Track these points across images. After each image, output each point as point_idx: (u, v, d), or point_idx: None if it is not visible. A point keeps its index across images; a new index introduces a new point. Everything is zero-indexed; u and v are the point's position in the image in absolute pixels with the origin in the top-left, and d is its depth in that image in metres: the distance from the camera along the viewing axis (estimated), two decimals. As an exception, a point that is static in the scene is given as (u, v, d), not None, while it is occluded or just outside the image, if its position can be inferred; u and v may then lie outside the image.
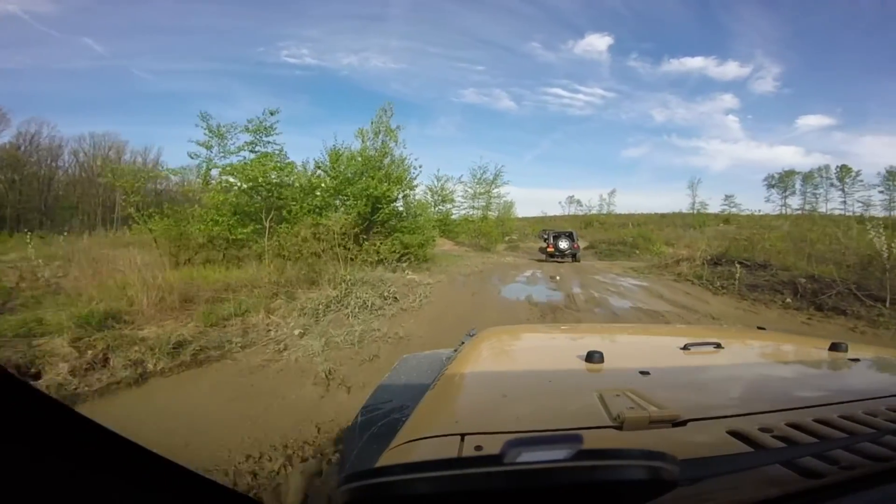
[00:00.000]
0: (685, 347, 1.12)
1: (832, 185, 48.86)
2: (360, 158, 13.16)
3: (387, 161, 13.73)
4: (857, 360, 1.07)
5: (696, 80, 65.65)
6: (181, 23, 65.27)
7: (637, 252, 23.12)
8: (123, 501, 0.48)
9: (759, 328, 1.96)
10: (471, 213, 28.78)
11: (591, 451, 0.39)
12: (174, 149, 79.07)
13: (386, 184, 12.56)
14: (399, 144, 14.32)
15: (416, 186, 14.81)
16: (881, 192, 46.15)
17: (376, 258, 9.96)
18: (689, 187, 54.57)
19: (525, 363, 1.24)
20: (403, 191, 13.76)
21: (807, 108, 64.67)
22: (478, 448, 0.60)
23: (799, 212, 46.92)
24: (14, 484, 0.40)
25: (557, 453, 0.39)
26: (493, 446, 0.47)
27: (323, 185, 12.35)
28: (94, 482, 0.45)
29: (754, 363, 1.20)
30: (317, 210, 11.04)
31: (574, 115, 69.15)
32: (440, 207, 27.84)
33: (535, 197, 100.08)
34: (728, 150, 67.36)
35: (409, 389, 1.21)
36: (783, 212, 48.12)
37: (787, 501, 0.52)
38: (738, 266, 9.66)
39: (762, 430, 0.62)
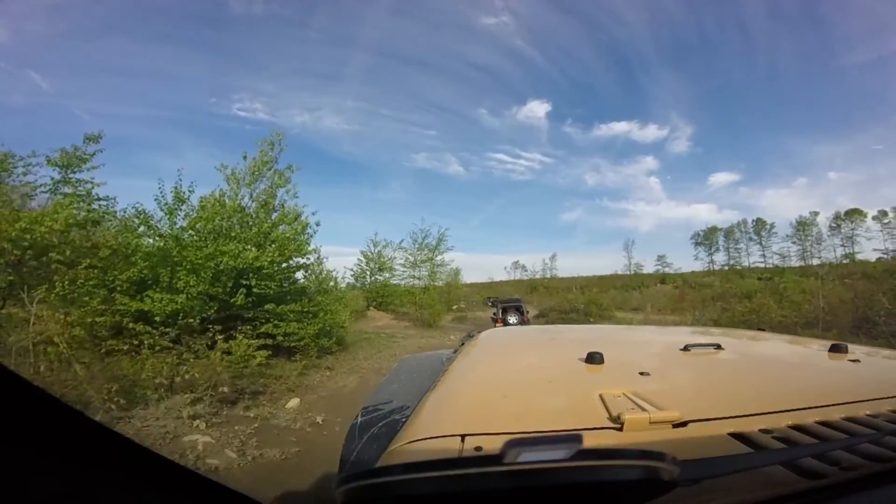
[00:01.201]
0: (685, 348, 1.12)
1: (751, 239, 53.15)
2: (218, 208, 8.35)
3: (273, 215, 9.62)
4: (857, 360, 1.07)
5: (621, 144, 72.78)
6: (133, 65, 62.37)
7: (591, 321, 21.27)
8: (124, 501, 0.48)
9: (759, 329, 1.96)
10: (412, 282, 25.43)
11: (591, 451, 0.39)
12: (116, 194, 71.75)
13: (256, 249, 8.33)
14: (290, 193, 10.02)
15: (311, 252, 10.59)
16: (794, 243, 49.95)
17: (233, 361, 6.19)
18: (624, 248, 57.96)
19: (525, 364, 1.24)
20: (289, 258, 9.32)
21: (716, 166, 71.33)
22: (478, 448, 0.60)
23: (725, 268, 50.27)
24: (17, 483, 0.40)
25: (557, 453, 0.39)
26: (493, 446, 0.47)
27: (147, 246, 7.47)
28: (94, 482, 0.46)
29: (754, 364, 1.19)
30: (135, 285, 6.92)
31: (516, 179, 73.31)
32: (377, 277, 25.81)
33: (481, 262, 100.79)
34: (652, 211, 72.70)
35: (409, 390, 1.22)
36: (710, 268, 51.33)
37: (788, 502, 0.52)
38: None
39: (762, 430, 0.62)
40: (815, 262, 45.26)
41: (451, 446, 0.62)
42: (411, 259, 26.03)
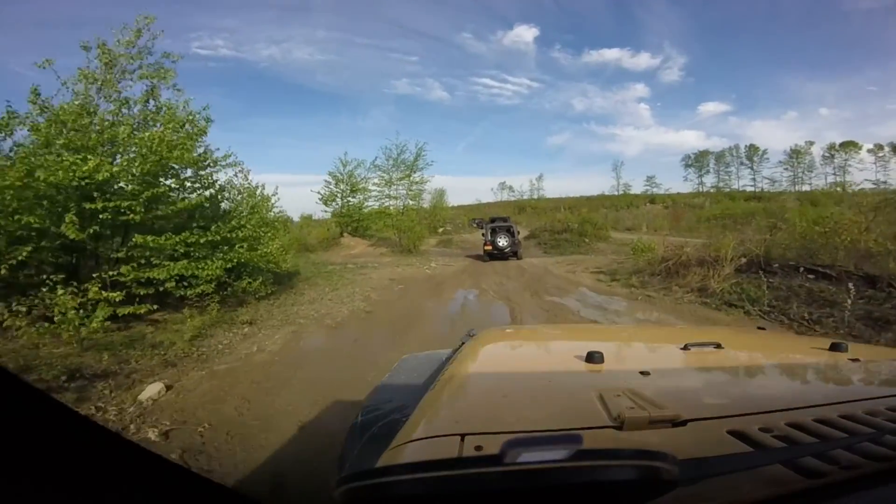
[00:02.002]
0: (685, 347, 1.11)
1: (742, 163, 54.22)
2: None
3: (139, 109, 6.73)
4: (856, 360, 1.06)
5: (612, 71, 73.38)
6: (75, 14, 56.05)
7: (586, 241, 19.64)
8: (122, 501, 0.48)
9: (759, 328, 2.09)
10: (389, 204, 22.23)
11: (590, 451, 0.40)
12: None
13: (107, 159, 5.81)
14: (170, 87, 7.02)
15: (216, 162, 7.68)
16: (786, 169, 50.93)
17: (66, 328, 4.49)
18: (614, 170, 59.49)
19: (525, 363, 1.24)
20: (167, 169, 6.64)
21: (707, 96, 74.41)
22: (478, 448, 0.59)
23: (713, 190, 49.82)
24: (15, 483, 0.40)
25: (557, 453, 0.39)
26: (493, 446, 0.45)
27: None
28: (91, 483, 0.45)
29: (754, 363, 1.19)
30: None
31: (503, 104, 74.11)
32: (348, 200, 23.19)
33: (468, 185, 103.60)
34: (640, 136, 74.48)
35: (409, 389, 1.24)
36: (699, 189, 50.91)
37: (788, 501, 0.52)
38: (804, 275, 6.56)
39: (762, 429, 0.62)
40: (806, 188, 46.76)
41: (451, 446, 0.61)
42: (386, 178, 22.47)
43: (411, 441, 0.68)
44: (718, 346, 1.12)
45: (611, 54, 69.76)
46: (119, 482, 0.48)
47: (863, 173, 45.97)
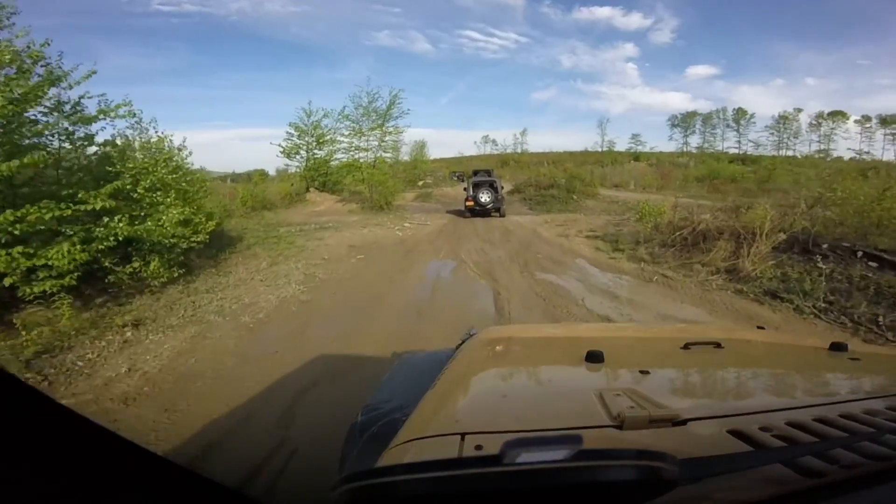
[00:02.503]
0: (685, 347, 1.11)
1: (728, 126, 53.47)
2: None
3: None
4: (857, 359, 1.07)
5: (602, 29, 72.68)
6: None
7: (574, 198, 18.16)
8: (123, 502, 0.48)
9: (759, 327, 2.00)
10: (359, 156, 20.10)
11: (590, 451, 0.39)
12: None
13: None
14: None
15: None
16: (772, 134, 50.82)
17: None
18: (599, 126, 59.77)
19: (525, 363, 1.23)
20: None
21: (696, 59, 74.41)
22: (478, 448, 0.59)
23: (698, 150, 49.53)
24: (15, 483, 0.40)
25: (557, 453, 0.39)
26: (493, 446, 0.45)
27: None
28: (94, 482, 0.45)
29: (754, 363, 1.18)
30: None
31: (488, 58, 72.02)
32: (314, 153, 21.00)
33: (450, 138, 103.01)
34: (626, 95, 73.31)
35: (409, 389, 1.21)
36: (684, 149, 50.48)
37: (788, 501, 0.52)
38: (863, 262, 5.28)
39: (762, 429, 0.62)
40: (790, 153, 47.66)
41: (451, 446, 0.61)
42: (355, 128, 20.23)
43: (411, 441, 0.68)
44: (718, 345, 1.12)
45: (602, 12, 68.20)
46: (119, 482, 0.48)
47: (847, 142, 47.29)
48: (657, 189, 22.10)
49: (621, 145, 53.46)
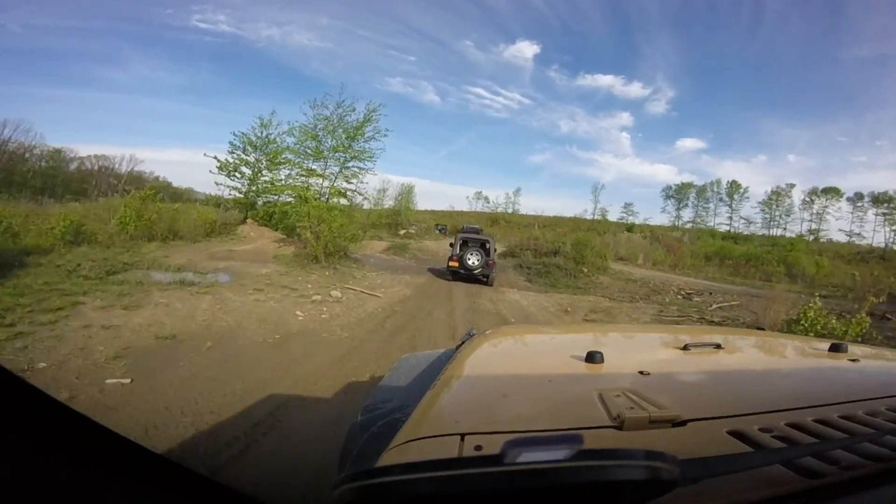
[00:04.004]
0: (685, 347, 1.11)
1: (721, 200, 53.46)
2: None
3: None
4: (856, 360, 1.07)
5: (602, 97, 75.56)
6: None
7: (584, 272, 14.60)
8: (124, 501, 0.48)
9: (759, 328, 2.07)
10: (310, 182, 14.16)
11: (590, 451, 0.39)
12: (51, 110, 65.20)
13: None
14: None
15: None
16: (763, 210, 50.83)
17: None
18: (593, 193, 58.37)
19: (525, 363, 1.24)
20: None
21: (686, 132, 76.17)
22: (478, 448, 0.59)
23: (690, 224, 50.27)
24: (15, 483, 0.40)
25: (557, 453, 0.39)
26: (493, 446, 0.46)
27: None
28: (95, 482, 0.45)
29: (754, 363, 1.19)
30: None
31: (491, 116, 75.10)
32: (261, 174, 16.06)
33: (443, 191, 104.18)
34: (617, 164, 75.87)
35: (409, 389, 1.25)
36: (675, 223, 51.45)
37: (788, 501, 0.52)
38: None
39: (762, 430, 0.62)
40: (780, 232, 47.37)
41: (451, 446, 0.61)
42: (312, 146, 13.90)
43: (411, 441, 0.68)
44: (718, 346, 1.13)
45: (605, 80, 70.94)
46: (121, 482, 0.47)
47: (838, 222, 47.22)
48: (670, 267, 19.84)
49: (612, 214, 54.02)
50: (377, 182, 20.76)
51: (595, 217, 52.59)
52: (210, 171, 16.03)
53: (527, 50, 70.21)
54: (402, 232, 24.30)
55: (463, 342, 1.46)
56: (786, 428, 0.63)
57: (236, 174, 16.14)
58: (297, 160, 14.40)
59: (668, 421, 0.65)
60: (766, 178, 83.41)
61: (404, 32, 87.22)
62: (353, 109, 13.64)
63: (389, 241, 19.36)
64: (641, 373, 0.91)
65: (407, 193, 30.92)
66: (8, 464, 0.40)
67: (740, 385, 0.96)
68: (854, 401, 0.76)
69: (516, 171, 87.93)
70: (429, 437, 0.67)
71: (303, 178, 14.20)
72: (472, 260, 11.63)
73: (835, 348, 1.11)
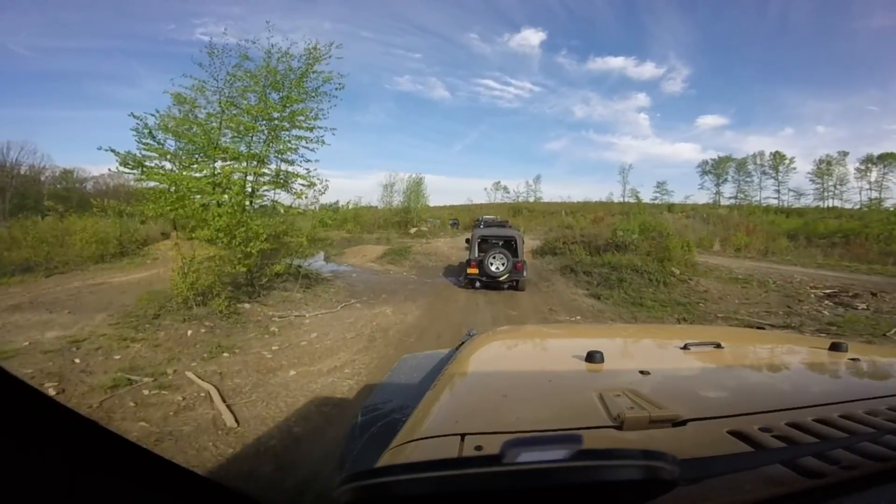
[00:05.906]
0: (685, 347, 1.11)
1: (764, 173, 48.88)
2: None
3: None
4: (856, 360, 1.06)
5: (615, 79, 73.24)
6: None
7: (676, 275, 9.38)
8: (122, 501, 0.48)
9: (759, 328, 2.08)
10: (234, 168, 7.72)
11: (590, 451, 0.39)
12: (59, 131, 64.55)
13: None
14: None
15: None
16: (813, 181, 46.05)
17: None
18: (620, 174, 55.78)
19: (525, 363, 1.24)
20: None
21: (706, 109, 72.86)
22: (478, 448, 0.59)
23: (733, 201, 46.65)
24: (14, 483, 0.40)
25: (557, 453, 0.39)
26: (493, 446, 0.45)
27: None
28: (94, 482, 0.45)
29: (754, 363, 1.19)
30: None
31: (503, 107, 72.92)
32: (190, 167, 7.11)
33: (461, 186, 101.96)
34: (637, 146, 73.14)
35: (409, 389, 1.24)
36: (716, 200, 47.77)
37: (788, 501, 0.52)
38: None
39: (762, 429, 0.62)
40: (837, 203, 42.93)
41: (451, 446, 0.61)
42: (235, 112, 7.78)
43: (411, 441, 0.68)
44: (718, 345, 1.13)
45: (616, 62, 68.48)
46: (120, 482, 0.48)
47: None
48: (760, 253, 15.08)
49: (645, 195, 47.65)
50: (383, 177, 18.19)
51: (626, 199, 46.17)
52: (110, 169, 12.23)
53: (533, 37, 68.66)
54: (412, 230, 20.98)
55: (463, 342, 1.46)
56: (786, 427, 0.63)
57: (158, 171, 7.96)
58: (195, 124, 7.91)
59: (668, 421, 0.65)
60: (797, 150, 79.62)
61: (407, 30, 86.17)
62: (292, 56, 7.94)
63: (399, 243, 15.76)
64: (641, 372, 0.91)
65: (415, 187, 26.56)
66: (6, 464, 0.40)
67: (740, 384, 0.96)
68: (854, 400, 0.76)
69: (534, 159, 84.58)
70: (429, 437, 0.68)
71: (202, 164, 7.98)
72: (496, 264, 8.64)
73: (835, 347, 1.11)
